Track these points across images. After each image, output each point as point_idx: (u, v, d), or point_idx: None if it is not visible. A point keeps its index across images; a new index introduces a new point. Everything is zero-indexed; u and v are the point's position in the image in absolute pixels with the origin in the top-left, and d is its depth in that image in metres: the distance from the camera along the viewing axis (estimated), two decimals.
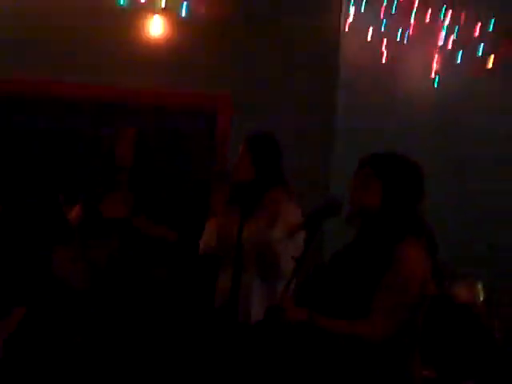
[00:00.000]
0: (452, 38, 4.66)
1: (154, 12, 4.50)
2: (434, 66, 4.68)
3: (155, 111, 4.59)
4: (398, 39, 4.66)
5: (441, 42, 4.66)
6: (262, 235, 3.03)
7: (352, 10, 4.63)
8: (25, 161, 4.56)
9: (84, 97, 4.55)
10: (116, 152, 3.66)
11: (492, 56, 4.64)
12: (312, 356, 2.39)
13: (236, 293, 3.09)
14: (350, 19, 4.64)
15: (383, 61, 4.69)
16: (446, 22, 4.65)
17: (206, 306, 3.30)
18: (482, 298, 3.94)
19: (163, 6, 4.48)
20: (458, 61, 4.67)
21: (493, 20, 4.65)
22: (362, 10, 4.65)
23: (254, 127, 3.83)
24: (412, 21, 4.65)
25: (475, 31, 4.66)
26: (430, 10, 4.65)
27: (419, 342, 2.40)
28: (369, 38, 4.65)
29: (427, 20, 4.66)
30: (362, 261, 2.35)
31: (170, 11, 4.51)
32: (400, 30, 4.65)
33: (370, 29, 4.64)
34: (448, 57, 4.69)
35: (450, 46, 4.67)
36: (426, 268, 2.35)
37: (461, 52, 4.67)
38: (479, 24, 4.65)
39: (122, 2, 4.47)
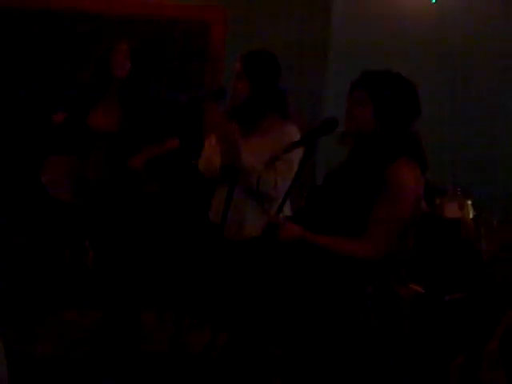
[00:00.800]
0: None
1: None
2: None
3: (147, 23, 4.50)
4: None
5: None
6: (255, 162, 3.02)
7: None
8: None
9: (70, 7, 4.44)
10: (112, 62, 3.50)
11: None
12: (304, 272, 2.45)
13: (227, 211, 3.12)
14: None
15: None
16: None
17: (201, 220, 3.32)
18: (471, 216, 4.00)
19: None
20: None
21: None
22: None
23: (249, 41, 3.78)
24: None
25: None
26: None
27: (409, 258, 2.46)
28: None
29: None
30: (355, 181, 2.37)
31: None
32: None
33: None
34: None
35: None
36: (419, 186, 2.38)
37: None
38: None
39: None
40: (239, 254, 3.09)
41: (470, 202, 4.03)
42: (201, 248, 3.41)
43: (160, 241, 3.72)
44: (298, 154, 2.72)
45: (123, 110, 3.53)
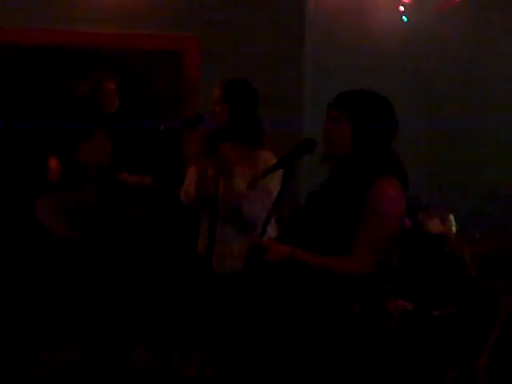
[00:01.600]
0: None
1: None
2: None
3: (122, 55, 4.52)
4: None
5: None
6: (235, 190, 3.02)
7: None
8: None
9: (48, 42, 4.45)
10: (101, 100, 3.63)
11: None
12: (291, 293, 2.43)
13: (212, 242, 3.11)
14: None
15: None
16: None
17: (187, 253, 3.32)
18: (454, 230, 4.03)
19: None
20: None
21: None
22: None
23: (223, 67, 3.80)
24: None
25: None
26: None
27: (394, 274, 2.45)
28: None
29: None
30: (337, 201, 2.37)
31: None
32: None
33: None
34: None
35: None
36: (402, 203, 2.38)
37: None
38: None
39: None
40: (225, 287, 3.07)
41: (452, 217, 4.06)
42: (187, 281, 3.40)
43: (147, 273, 3.70)
44: (277, 178, 2.73)
45: (113, 143, 3.62)
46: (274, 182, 2.80)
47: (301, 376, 2.39)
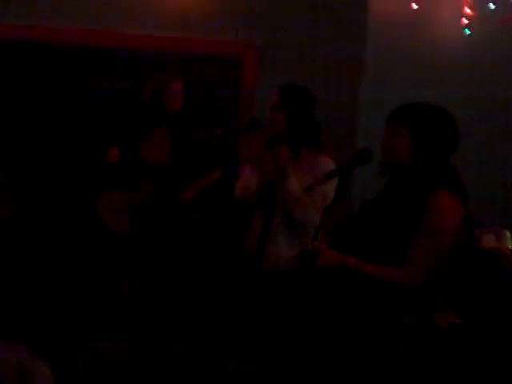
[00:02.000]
0: None
1: None
2: (466, 11, 4.57)
3: (183, 59, 4.60)
4: None
5: None
6: (289, 191, 3.05)
7: None
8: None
9: (111, 44, 4.56)
10: (166, 98, 3.64)
11: None
12: (342, 301, 2.44)
13: (264, 241, 3.13)
14: None
15: (413, 6, 4.60)
16: None
17: (238, 251, 3.35)
18: (509, 246, 3.97)
19: None
20: (492, 7, 4.56)
21: None
22: None
23: (281, 78, 3.83)
24: None
25: None
26: None
27: (447, 288, 2.44)
28: None
29: None
30: (393, 210, 2.36)
31: None
32: None
33: None
34: (480, 2, 4.58)
35: None
36: (459, 218, 2.36)
37: None
38: None
39: None
40: (275, 285, 3.09)
41: (508, 233, 4.00)
42: (236, 279, 3.42)
43: (198, 270, 3.75)
44: (332, 185, 2.73)
45: (174, 143, 3.65)
46: (330, 189, 2.80)
47: (348, 380, 2.39)
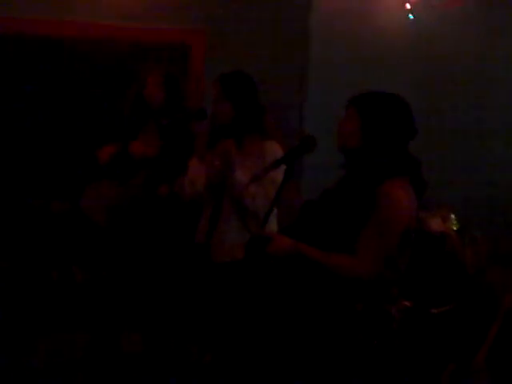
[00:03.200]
0: None
1: None
2: None
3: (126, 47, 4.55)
4: None
5: None
6: (237, 183, 3.04)
7: None
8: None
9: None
10: (146, 98, 3.63)
11: None
12: (293, 288, 2.43)
13: (212, 231, 3.12)
14: None
15: None
16: None
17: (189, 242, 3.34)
18: (455, 228, 4.03)
19: None
20: None
21: None
22: None
23: (227, 60, 3.82)
24: None
25: None
26: None
27: (402, 279, 2.44)
28: None
29: None
30: (347, 201, 2.36)
31: None
32: None
33: None
34: None
35: None
36: (411, 206, 2.35)
37: None
38: None
39: None
40: (224, 275, 3.09)
41: (453, 216, 4.07)
42: (186, 270, 3.41)
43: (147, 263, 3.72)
44: (280, 172, 2.73)
45: (162, 139, 3.58)
46: (279, 176, 2.81)
47: (299, 369, 2.40)
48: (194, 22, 4.50)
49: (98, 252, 3.77)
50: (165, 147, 3.56)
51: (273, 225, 3.08)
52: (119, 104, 3.88)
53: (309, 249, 2.34)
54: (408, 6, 4.64)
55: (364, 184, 2.35)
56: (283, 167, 2.62)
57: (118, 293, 3.68)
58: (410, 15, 4.66)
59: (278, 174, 2.79)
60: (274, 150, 3.07)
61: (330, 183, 2.55)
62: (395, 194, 2.31)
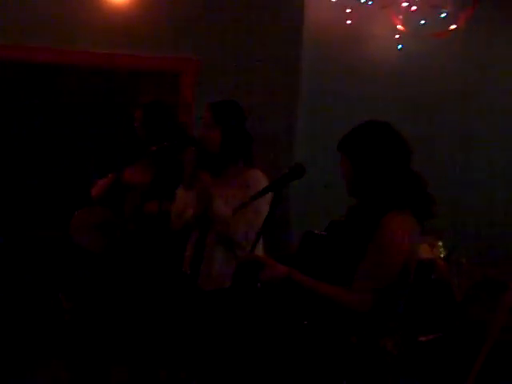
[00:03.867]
0: None
1: None
2: (398, 27, 4.68)
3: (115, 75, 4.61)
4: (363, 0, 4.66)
5: (405, 3, 4.64)
6: (216, 213, 3.06)
7: None
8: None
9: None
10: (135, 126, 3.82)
11: (460, 16, 4.66)
12: (285, 317, 2.43)
13: (197, 260, 3.14)
14: None
15: (348, 22, 4.69)
16: None
17: (173, 271, 3.34)
18: (442, 256, 4.04)
19: None
20: (422, 22, 4.68)
21: None
22: None
23: (220, 91, 3.86)
24: None
25: None
26: None
27: (398, 315, 2.39)
28: None
29: None
30: (350, 235, 2.36)
31: None
32: None
33: None
34: (412, 18, 4.70)
35: (414, 8, 4.66)
36: (410, 239, 2.30)
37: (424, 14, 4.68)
38: None
39: None
40: (211, 304, 3.09)
41: (440, 243, 4.09)
42: (173, 298, 3.41)
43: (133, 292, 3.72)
44: (265, 200, 2.73)
45: (154, 165, 3.65)
46: (263, 205, 2.82)
47: None
48: (186, 51, 4.54)
49: (85, 279, 3.77)
50: (157, 174, 3.60)
51: (259, 253, 3.08)
52: (118, 132, 4.01)
53: (303, 277, 2.31)
54: (397, 36, 4.71)
55: (366, 219, 2.32)
56: (267, 197, 2.64)
57: (105, 323, 3.68)
58: (399, 45, 4.73)
59: (262, 203, 2.82)
60: (258, 178, 3.10)
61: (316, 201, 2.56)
62: (392, 229, 2.26)
